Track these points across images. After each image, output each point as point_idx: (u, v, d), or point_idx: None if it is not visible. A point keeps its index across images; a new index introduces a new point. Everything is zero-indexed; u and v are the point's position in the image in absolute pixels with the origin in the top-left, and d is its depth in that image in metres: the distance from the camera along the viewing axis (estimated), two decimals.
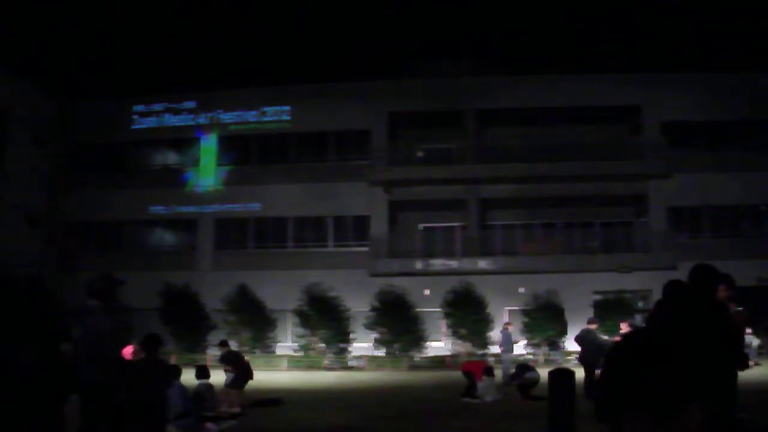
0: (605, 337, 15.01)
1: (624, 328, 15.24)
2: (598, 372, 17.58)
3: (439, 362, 23.39)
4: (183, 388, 9.90)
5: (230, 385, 12.49)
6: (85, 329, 5.62)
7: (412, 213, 27.98)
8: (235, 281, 25.48)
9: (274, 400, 13.91)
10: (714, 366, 1.21)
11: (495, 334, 22.28)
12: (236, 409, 11.96)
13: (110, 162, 29.61)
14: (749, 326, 16.83)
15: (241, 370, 12.75)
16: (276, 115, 28.94)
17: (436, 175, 26.65)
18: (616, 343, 1.34)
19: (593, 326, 14.35)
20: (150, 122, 29.86)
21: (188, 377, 10.91)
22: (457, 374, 15.25)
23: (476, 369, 14.24)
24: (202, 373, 11.82)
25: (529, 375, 13.87)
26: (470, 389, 13.78)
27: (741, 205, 26.09)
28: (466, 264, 25.67)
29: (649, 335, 1.30)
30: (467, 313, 23.98)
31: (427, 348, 24.61)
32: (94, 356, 5.52)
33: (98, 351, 5.55)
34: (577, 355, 14.52)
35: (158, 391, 7.42)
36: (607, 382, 1.25)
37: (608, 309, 22.84)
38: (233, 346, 23.45)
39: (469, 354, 22.96)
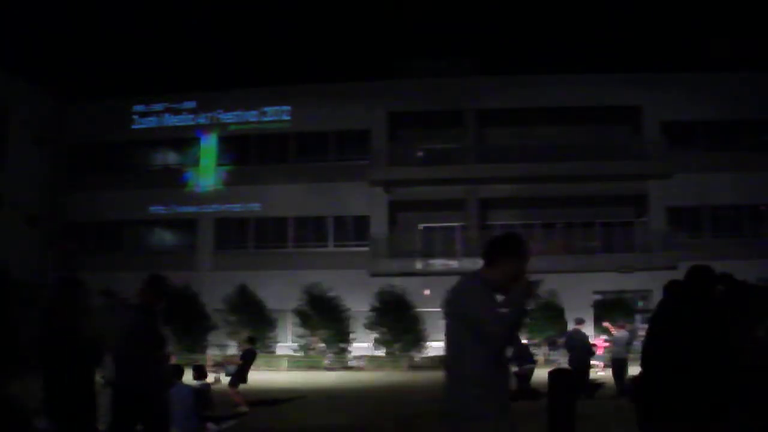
0: (591, 338, 15.07)
1: (612, 329, 15.20)
2: (599, 371, 17.60)
3: (439, 362, 23.37)
4: (185, 388, 9.88)
5: (233, 383, 12.65)
6: (121, 327, 5.58)
7: (412, 213, 27.97)
8: (235, 281, 25.48)
9: (273, 400, 13.94)
10: (753, 376, 1.20)
11: None
12: (244, 408, 11.97)
13: (110, 162, 29.59)
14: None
15: (242, 369, 12.96)
16: (276, 115, 28.93)
17: (436, 175, 26.62)
18: (645, 346, 1.32)
19: (581, 326, 14.36)
20: (150, 122, 29.85)
21: (187, 378, 10.91)
22: None
23: None
24: (200, 373, 11.83)
25: (528, 366, 13.96)
26: None
27: (741, 205, 26.08)
28: (466, 264, 25.58)
29: (685, 344, 1.28)
30: None
31: (427, 348, 24.61)
32: (125, 356, 5.49)
33: (129, 350, 5.49)
34: (568, 359, 14.20)
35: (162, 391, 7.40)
36: (645, 390, 1.23)
37: (608, 309, 22.84)
38: (233, 346, 23.59)
39: None
